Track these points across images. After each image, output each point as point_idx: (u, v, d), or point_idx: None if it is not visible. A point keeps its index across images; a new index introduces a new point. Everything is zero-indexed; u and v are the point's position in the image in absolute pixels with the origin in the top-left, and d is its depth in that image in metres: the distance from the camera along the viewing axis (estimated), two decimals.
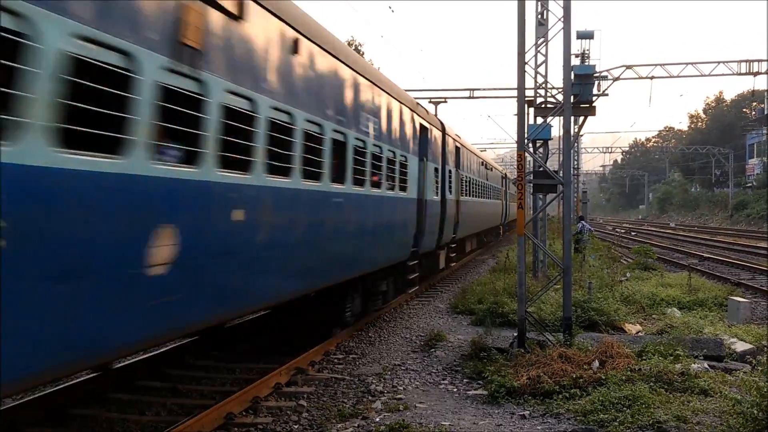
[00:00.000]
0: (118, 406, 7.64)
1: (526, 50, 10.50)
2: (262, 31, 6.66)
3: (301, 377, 8.97)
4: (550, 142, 19.23)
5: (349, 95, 9.39)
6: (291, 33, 7.34)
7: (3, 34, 3.67)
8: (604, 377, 8.19)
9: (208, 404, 7.40)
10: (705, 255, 28.13)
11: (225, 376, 9.02)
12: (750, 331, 11.69)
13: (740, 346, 10.32)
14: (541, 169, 11.77)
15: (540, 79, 17.83)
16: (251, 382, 8.16)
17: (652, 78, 31.44)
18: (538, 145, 18.24)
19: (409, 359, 10.25)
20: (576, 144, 37.84)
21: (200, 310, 5.91)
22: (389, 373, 9.40)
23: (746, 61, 31.60)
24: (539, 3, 16.74)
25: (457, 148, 19.53)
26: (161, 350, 9.54)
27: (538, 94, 17.99)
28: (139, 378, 8.52)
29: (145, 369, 8.85)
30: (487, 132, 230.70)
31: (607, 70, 30.28)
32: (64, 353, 4.32)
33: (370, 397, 8.22)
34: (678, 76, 31.63)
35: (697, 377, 8.28)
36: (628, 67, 31.18)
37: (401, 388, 8.69)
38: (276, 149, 6.91)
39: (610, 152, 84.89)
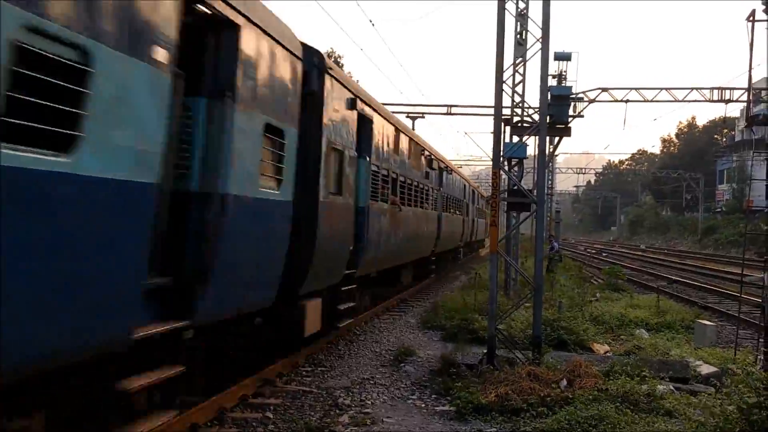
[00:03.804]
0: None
1: (504, 69, 10.61)
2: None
3: (268, 389, 8.87)
4: (525, 161, 19.38)
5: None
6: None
7: None
8: (571, 396, 8.23)
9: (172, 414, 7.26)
10: (674, 278, 28.49)
11: (189, 386, 8.87)
12: (715, 354, 11.83)
13: (705, 369, 10.44)
14: (515, 187, 11.85)
15: (517, 99, 17.97)
16: (217, 392, 8.04)
17: (627, 101, 31.93)
18: (513, 163, 18.37)
19: (378, 373, 10.20)
20: (551, 164, 38.22)
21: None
22: (357, 386, 9.35)
23: (719, 88, 32.23)
24: (518, 23, 16.91)
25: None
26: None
27: (514, 113, 18.14)
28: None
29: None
30: (464, 149, 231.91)
31: (583, 92, 30.73)
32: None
33: (337, 411, 8.16)
34: (652, 101, 32.16)
35: (663, 399, 8.35)
36: (604, 89, 31.65)
37: (369, 402, 8.64)
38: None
39: (584, 173, 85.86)
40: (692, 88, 32.24)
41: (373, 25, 21.26)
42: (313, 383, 9.43)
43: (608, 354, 11.76)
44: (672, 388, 9.13)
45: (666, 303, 18.07)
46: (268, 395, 8.67)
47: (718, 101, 32.18)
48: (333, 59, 37.29)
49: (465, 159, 63.83)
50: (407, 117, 31.51)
